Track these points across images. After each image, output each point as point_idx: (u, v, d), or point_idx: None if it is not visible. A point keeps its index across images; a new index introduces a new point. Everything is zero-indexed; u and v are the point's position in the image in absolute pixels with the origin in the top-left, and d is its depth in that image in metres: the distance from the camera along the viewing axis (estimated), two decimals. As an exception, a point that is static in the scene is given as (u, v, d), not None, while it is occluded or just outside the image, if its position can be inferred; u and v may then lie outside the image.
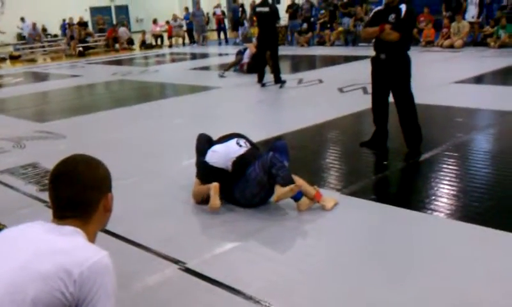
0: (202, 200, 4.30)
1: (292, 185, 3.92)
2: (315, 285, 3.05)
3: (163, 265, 3.38)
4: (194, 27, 23.21)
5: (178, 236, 3.81)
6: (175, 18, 24.45)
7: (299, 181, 4.08)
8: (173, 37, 23.98)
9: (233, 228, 3.90)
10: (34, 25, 24.23)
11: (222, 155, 4.36)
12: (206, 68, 14.97)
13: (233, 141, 4.46)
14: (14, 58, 21.85)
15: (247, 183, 4.12)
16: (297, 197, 4.00)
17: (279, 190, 3.96)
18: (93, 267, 1.53)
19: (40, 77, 16.01)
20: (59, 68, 18.13)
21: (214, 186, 4.16)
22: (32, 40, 24.03)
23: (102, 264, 1.55)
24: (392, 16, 5.27)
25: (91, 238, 1.74)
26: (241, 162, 4.23)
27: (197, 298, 3.01)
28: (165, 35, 24.17)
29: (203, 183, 4.34)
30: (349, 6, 18.80)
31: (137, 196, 4.71)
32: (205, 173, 4.39)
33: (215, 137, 4.74)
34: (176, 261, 3.39)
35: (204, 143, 4.70)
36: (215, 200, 4.12)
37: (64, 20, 25.53)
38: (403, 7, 5.24)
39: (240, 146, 4.39)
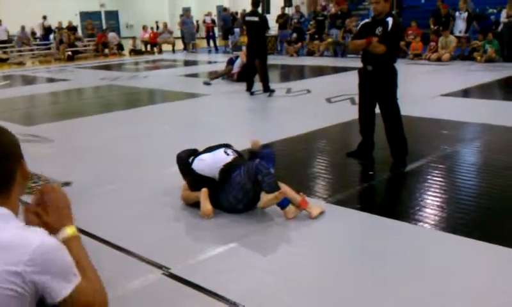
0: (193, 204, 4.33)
1: (276, 192, 3.93)
2: (298, 293, 3.06)
3: (146, 270, 3.37)
4: (184, 34, 23.25)
5: (162, 242, 3.80)
6: (165, 25, 24.48)
7: (285, 188, 4.10)
8: (163, 44, 23.98)
9: (217, 234, 3.91)
10: (23, 28, 24.10)
11: (209, 163, 4.36)
12: (195, 76, 14.98)
13: (220, 151, 4.47)
14: (2, 61, 21.71)
15: (230, 188, 4.14)
16: (283, 204, 4.01)
17: (264, 197, 3.97)
18: (36, 254, 1.46)
19: (28, 81, 15.92)
20: (47, 71, 18.05)
21: (204, 192, 4.19)
22: (20, 43, 23.89)
23: (44, 248, 1.48)
24: (378, 29, 5.33)
25: (16, 211, 1.63)
26: (228, 168, 4.24)
27: (180, 303, 3.01)
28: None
29: (192, 190, 4.35)
30: (338, 18, 18.93)
31: (122, 200, 4.70)
32: (193, 180, 4.40)
33: (202, 147, 4.72)
34: (160, 267, 3.38)
35: (186, 161, 4.65)
36: (206, 206, 4.13)
37: (45, 21, 25.27)
38: (390, 20, 5.29)
39: (228, 154, 4.40)
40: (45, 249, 1.48)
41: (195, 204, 4.30)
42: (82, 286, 1.54)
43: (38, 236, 1.50)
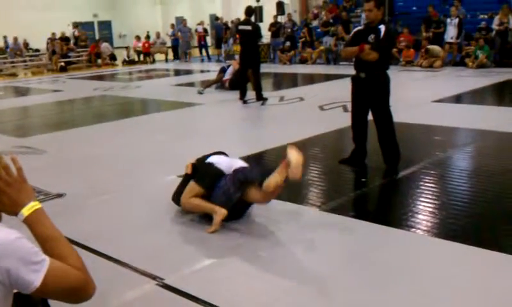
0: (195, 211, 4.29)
1: (278, 170, 3.83)
2: (292, 301, 3.06)
3: (141, 280, 3.36)
4: (179, 43, 23.28)
5: (156, 252, 3.80)
6: (158, 35, 24.51)
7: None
8: (156, 53, 24.01)
9: (212, 244, 3.90)
10: (15, 39, 24.08)
11: (226, 161, 4.36)
12: (189, 85, 14.99)
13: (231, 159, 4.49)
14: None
15: (216, 193, 4.13)
16: None
17: (269, 181, 3.84)
18: None
19: (21, 92, 15.89)
20: (40, 82, 18.02)
21: (223, 214, 4.00)
22: (13, 54, 23.86)
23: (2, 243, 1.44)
24: (371, 37, 5.36)
25: None
26: (236, 170, 4.20)
27: (175, 314, 3.00)
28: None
29: (203, 186, 4.21)
30: (329, 25, 19.00)
31: (116, 211, 4.69)
32: (210, 173, 4.27)
33: (196, 156, 4.72)
34: (154, 277, 3.37)
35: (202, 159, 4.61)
36: (217, 227, 4.03)
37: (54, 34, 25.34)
38: (382, 27, 5.33)
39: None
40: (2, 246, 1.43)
41: (189, 214, 4.29)
42: (54, 268, 1.49)
43: None
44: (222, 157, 4.48)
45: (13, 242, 1.46)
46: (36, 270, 1.46)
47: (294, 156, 3.82)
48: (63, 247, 1.59)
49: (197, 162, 4.55)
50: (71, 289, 1.54)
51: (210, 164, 4.36)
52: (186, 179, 4.48)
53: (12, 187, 1.60)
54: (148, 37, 24.21)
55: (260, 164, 4.52)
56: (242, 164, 4.37)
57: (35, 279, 1.46)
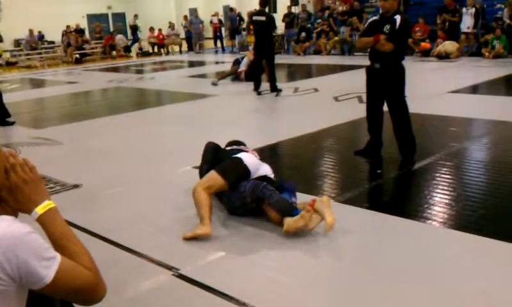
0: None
1: (303, 212, 3.68)
2: (309, 292, 3.06)
3: (157, 271, 3.39)
4: (191, 34, 23.32)
5: (172, 242, 3.81)
6: (172, 26, 24.54)
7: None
8: (170, 45, 24.06)
9: (227, 235, 3.91)
10: (31, 31, 24.25)
11: (254, 163, 4.27)
12: (203, 76, 15.01)
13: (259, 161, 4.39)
14: (10, 64, 21.86)
15: (233, 193, 4.10)
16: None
17: (289, 220, 3.73)
18: (3, 245, 1.40)
19: (37, 84, 16.02)
20: (55, 74, 18.14)
21: (205, 233, 3.78)
22: (29, 47, 24.04)
23: (6, 239, 1.41)
24: (387, 27, 5.31)
25: None
26: (261, 178, 4.16)
27: (191, 304, 3.02)
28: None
29: (228, 181, 4.07)
30: (346, 15, 18.87)
31: (132, 202, 4.72)
32: (238, 170, 4.14)
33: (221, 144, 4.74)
34: (170, 268, 3.39)
35: (211, 153, 4.60)
36: (192, 236, 3.83)
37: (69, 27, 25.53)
38: (398, 18, 5.28)
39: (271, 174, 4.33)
40: (8, 239, 1.40)
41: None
42: (65, 266, 1.48)
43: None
44: (250, 156, 4.31)
45: (25, 235, 1.44)
46: (47, 266, 1.45)
47: (330, 219, 3.67)
48: (75, 246, 1.58)
49: (222, 151, 4.52)
50: (81, 289, 1.53)
51: (240, 161, 4.19)
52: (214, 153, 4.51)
53: (28, 184, 1.60)
54: (172, 28, 24.21)
55: (284, 186, 4.27)
56: (267, 169, 4.30)
57: (46, 275, 1.44)
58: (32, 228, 1.47)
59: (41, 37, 26.03)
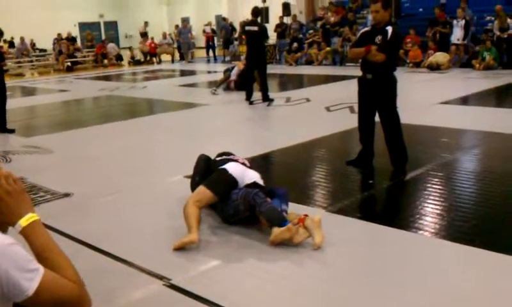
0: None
1: (289, 225, 3.71)
2: (300, 302, 3.05)
3: (148, 281, 3.36)
4: (180, 44, 23.33)
5: (163, 253, 3.79)
6: (164, 35, 24.54)
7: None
8: (162, 54, 24.05)
9: (218, 245, 3.90)
10: (22, 39, 24.16)
11: (240, 170, 4.30)
12: (194, 85, 15.01)
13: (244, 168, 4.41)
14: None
15: (227, 202, 4.11)
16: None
17: (275, 230, 3.75)
18: None
19: (28, 92, 15.95)
20: (47, 82, 18.08)
21: (192, 241, 3.79)
22: (20, 54, 23.95)
23: None
24: (378, 38, 5.34)
25: None
26: (250, 185, 4.17)
27: (182, 314, 3.00)
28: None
29: (217, 192, 4.13)
30: (338, 26, 18.95)
31: (123, 211, 4.69)
32: (225, 181, 4.19)
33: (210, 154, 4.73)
34: (161, 278, 3.37)
35: (203, 164, 4.64)
36: (180, 246, 3.82)
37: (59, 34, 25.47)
38: (389, 29, 5.31)
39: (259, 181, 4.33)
40: None
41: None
42: (48, 278, 1.46)
43: None
44: (236, 164, 4.35)
45: (7, 246, 1.42)
46: (29, 279, 1.43)
47: (319, 240, 3.68)
48: (59, 259, 1.56)
49: (213, 162, 4.55)
50: (65, 301, 1.50)
51: (225, 171, 4.25)
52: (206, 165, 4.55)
53: (12, 196, 1.57)
54: (164, 37, 24.20)
55: (276, 192, 4.26)
56: (254, 175, 4.32)
57: (29, 287, 1.42)
58: (15, 240, 1.45)
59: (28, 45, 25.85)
